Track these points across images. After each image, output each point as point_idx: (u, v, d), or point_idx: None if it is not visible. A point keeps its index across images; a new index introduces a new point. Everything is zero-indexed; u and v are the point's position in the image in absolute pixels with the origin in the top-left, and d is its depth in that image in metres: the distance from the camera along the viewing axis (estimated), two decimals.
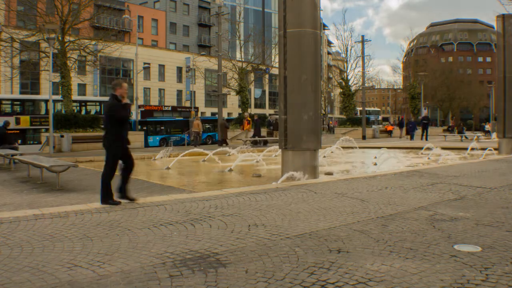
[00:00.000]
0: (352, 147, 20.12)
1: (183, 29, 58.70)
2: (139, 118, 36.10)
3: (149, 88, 47.51)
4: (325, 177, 9.23)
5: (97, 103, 33.71)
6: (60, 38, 22.31)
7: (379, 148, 19.26)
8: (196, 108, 49.11)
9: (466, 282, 2.99)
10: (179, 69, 50.11)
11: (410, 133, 30.80)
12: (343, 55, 46.46)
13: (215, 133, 32.46)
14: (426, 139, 25.90)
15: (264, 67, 44.13)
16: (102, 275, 3.12)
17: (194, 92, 49.50)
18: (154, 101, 47.84)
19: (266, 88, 61.32)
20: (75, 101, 28.64)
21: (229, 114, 50.06)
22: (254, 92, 59.02)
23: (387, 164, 13.57)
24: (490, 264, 3.36)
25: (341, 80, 46.53)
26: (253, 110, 50.23)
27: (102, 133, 6.29)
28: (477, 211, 5.39)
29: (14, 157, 11.76)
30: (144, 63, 44.53)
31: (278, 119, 28.92)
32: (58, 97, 24.70)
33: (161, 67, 48.44)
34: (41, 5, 24.41)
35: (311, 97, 8.76)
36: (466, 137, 30.45)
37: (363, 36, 37.57)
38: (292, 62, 8.76)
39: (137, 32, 46.67)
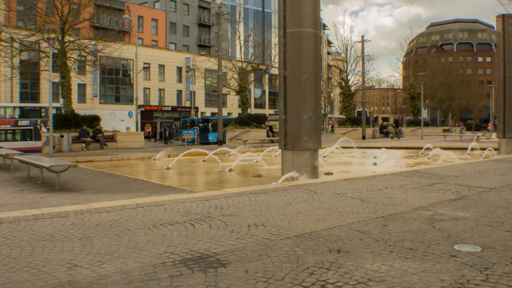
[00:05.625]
0: (351, 147, 20.14)
1: (183, 29, 58.72)
2: (139, 118, 36.09)
3: (149, 88, 47.52)
4: (325, 177, 9.23)
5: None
6: (60, 38, 22.32)
7: (379, 148, 19.27)
8: (196, 108, 49.18)
9: (466, 282, 2.99)
10: (179, 69, 50.11)
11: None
12: (343, 55, 46.46)
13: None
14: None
15: (264, 67, 44.13)
16: (102, 275, 3.12)
17: (194, 92, 49.52)
18: (154, 101, 47.86)
19: (266, 88, 61.33)
20: None
21: (229, 114, 50.05)
22: (254, 92, 59.03)
23: (387, 164, 13.58)
24: (490, 264, 3.36)
25: (341, 80, 46.54)
26: (253, 110, 50.25)
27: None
28: (477, 211, 5.38)
29: (14, 157, 11.76)
30: (144, 63, 44.55)
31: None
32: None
33: (161, 67, 48.45)
34: (41, 5, 24.43)
35: (311, 97, 8.76)
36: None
37: (363, 36, 37.63)
38: (292, 62, 8.76)
39: (137, 32, 46.71)
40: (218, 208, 5.51)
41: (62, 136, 20.61)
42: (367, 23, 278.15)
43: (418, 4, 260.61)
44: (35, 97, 37.31)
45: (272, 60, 47.31)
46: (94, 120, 23.22)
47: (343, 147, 18.86)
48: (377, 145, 22.31)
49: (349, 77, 43.65)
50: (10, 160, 12.55)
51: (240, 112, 37.81)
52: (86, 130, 21.68)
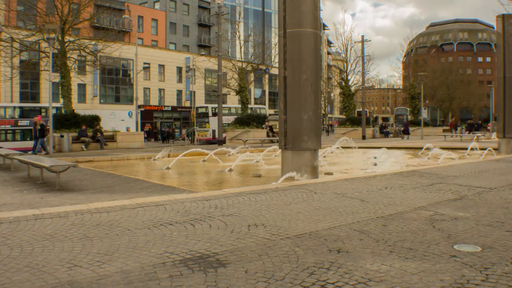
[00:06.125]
0: (351, 147, 20.14)
1: (183, 29, 58.71)
2: (139, 118, 36.06)
3: (149, 88, 47.50)
4: (325, 177, 9.23)
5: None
6: (60, 38, 22.31)
7: (379, 148, 19.26)
8: (196, 108, 49.13)
9: (466, 282, 2.99)
10: (179, 69, 50.08)
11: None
12: (343, 55, 46.46)
13: None
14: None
15: (264, 67, 44.12)
16: (102, 275, 3.12)
17: (194, 92, 49.49)
18: (154, 101, 47.84)
19: (266, 88, 61.31)
20: None
21: None
22: (254, 92, 59.01)
23: (387, 164, 13.58)
24: (490, 264, 3.36)
25: (341, 80, 46.56)
26: None
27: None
28: (477, 211, 5.38)
29: (14, 157, 11.76)
30: (144, 63, 44.53)
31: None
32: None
33: (161, 67, 48.42)
34: (41, 5, 24.43)
35: (311, 97, 8.76)
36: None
37: (362, 36, 37.60)
38: (292, 62, 8.75)
39: (137, 32, 46.69)
40: (218, 208, 5.51)
41: (62, 136, 20.61)
42: (366, 23, 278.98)
43: (418, 5, 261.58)
44: (35, 97, 37.31)
45: (272, 60, 47.29)
46: (94, 120, 23.21)
47: (343, 147, 18.86)
48: (377, 145, 22.30)
49: (349, 77, 43.65)
50: (10, 160, 12.55)
51: (240, 112, 37.82)
52: (85, 130, 21.66)
